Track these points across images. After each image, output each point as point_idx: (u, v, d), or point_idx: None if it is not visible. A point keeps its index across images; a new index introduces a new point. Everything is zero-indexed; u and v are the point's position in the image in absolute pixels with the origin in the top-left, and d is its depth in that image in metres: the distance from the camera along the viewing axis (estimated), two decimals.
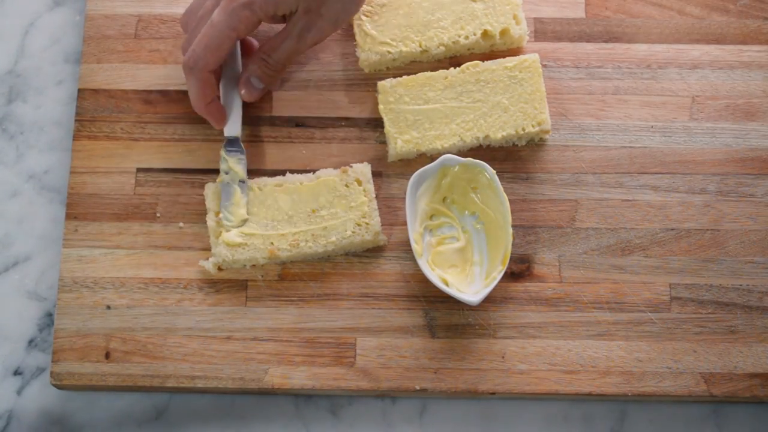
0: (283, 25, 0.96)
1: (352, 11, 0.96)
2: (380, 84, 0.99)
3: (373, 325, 0.95)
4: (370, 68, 1.01)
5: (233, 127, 0.97)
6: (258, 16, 0.92)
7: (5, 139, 1.03)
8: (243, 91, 0.97)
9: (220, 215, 0.95)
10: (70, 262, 0.96)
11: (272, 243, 0.94)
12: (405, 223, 0.94)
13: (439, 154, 0.97)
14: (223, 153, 0.97)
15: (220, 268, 0.96)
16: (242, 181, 0.96)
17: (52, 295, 0.99)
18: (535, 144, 1.00)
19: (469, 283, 0.95)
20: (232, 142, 0.97)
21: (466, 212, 0.97)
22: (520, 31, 1.00)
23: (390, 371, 0.94)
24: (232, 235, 0.95)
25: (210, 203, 0.96)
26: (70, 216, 0.98)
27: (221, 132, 0.99)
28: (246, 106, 0.99)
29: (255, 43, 1.01)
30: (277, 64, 0.96)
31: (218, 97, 0.97)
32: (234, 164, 0.96)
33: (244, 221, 0.95)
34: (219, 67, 0.96)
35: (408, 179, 0.94)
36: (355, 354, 0.94)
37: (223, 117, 0.97)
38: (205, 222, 0.97)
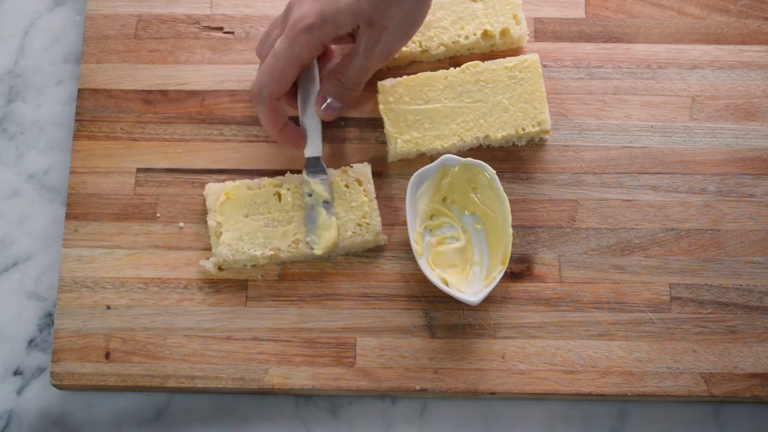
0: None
1: (418, 18, 0.92)
2: (380, 84, 0.99)
3: (373, 325, 0.95)
4: None
5: (313, 148, 0.95)
6: (320, 40, 0.90)
7: (5, 139, 1.03)
8: (321, 111, 0.95)
9: (308, 240, 0.94)
10: (70, 262, 0.96)
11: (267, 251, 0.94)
12: (405, 223, 0.94)
13: (439, 154, 0.97)
14: (304, 175, 0.95)
15: (220, 268, 0.96)
16: (327, 202, 0.95)
17: (52, 295, 0.99)
18: (535, 144, 1.00)
19: (469, 283, 0.95)
20: (313, 163, 0.95)
21: (466, 212, 0.97)
22: (520, 31, 1.00)
23: (390, 371, 0.94)
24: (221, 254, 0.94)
25: (210, 203, 0.96)
26: (70, 216, 0.98)
27: (221, 132, 0.99)
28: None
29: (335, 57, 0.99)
30: (350, 82, 0.93)
31: (292, 120, 0.95)
32: (316, 185, 0.95)
33: (333, 245, 0.94)
34: (292, 89, 0.94)
35: (408, 179, 0.94)
36: (355, 354, 0.94)
37: (299, 140, 0.95)
38: (205, 222, 0.97)
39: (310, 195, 0.95)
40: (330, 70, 0.95)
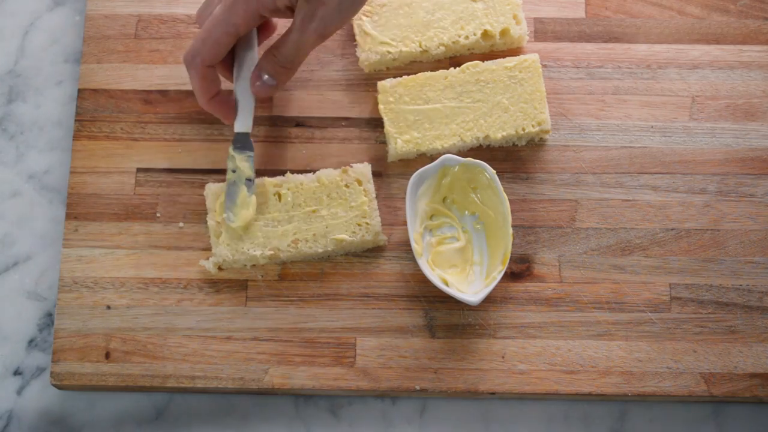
0: None
1: (358, 1, 0.91)
2: (380, 84, 0.99)
3: (373, 325, 0.95)
4: (370, 68, 1.01)
5: (243, 123, 0.95)
6: (256, 10, 0.90)
7: (5, 139, 1.03)
8: (254, 88, 0.94)
9: (224, 216, 0.94)
10: (70, 262, 0.96)
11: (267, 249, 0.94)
12: (405, 223, 0.94)
13: (439, 154, 0.97)
14: (231, 150, 0.95)
15: (220, 268, 0.96)
16: (249, 180, 0.94)
17: (52, 295, 0.99)
18: (535, 144, 1.00)
19: (469, 283, 0.95)
20: (240, 139, 0.95)
21: (466, 212, 0.97)
22: (520, 31, 1.00)
23: (390, 371, 0.94)
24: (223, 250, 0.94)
25: (210, 203, 0.96)
26: (70, 216, 0.98)
27: (221, 132, 0.99)
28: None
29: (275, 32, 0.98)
30: (284, 59, 0.92)
31: (229, 92, 0.95)
32: (241, 162, 0.94)
33: (249, 222, 0.94)
34: (230, 60, 0.94)
35: (408, 179, 0.94)
36: (355, 354, 0.94)
37: (229, 112, 0.94)
38: (205, 222, 0.97)
39: (234, 171, 0.94)
40: (268, 47, 0.94)
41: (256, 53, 0.95)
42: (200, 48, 0.91)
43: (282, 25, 0.98)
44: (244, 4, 0.89)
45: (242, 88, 0.95)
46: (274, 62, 0.92)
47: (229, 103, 0.95)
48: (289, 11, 0.91)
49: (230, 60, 0.95)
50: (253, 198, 0.94)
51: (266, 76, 0.93)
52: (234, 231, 0.94)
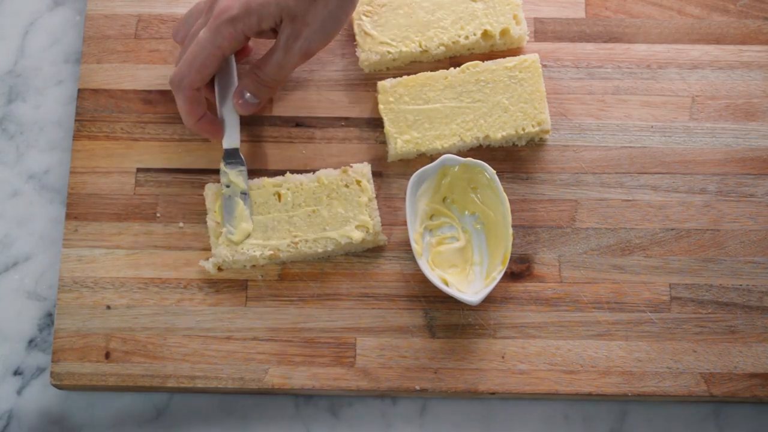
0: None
1: (341, 19, 0.93)
2: (380, 84, 0.99)
3: (373, 325, 0.95)
4: (370, 68, 1.01)
5: (231, 139, 0.96)
6: (242, 32, 0.91)
7: (5, 139, 1.03)
8: (237, 106, 0.96)
9: (224, 230, 0.94)
10: (70, 262, 0.96)
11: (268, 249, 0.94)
12: (405, 223, 0.94)
13: (439, 154, 0.97)
14: (222, 166, 0.96)
15: (220, 268, 0.96)
16: (244, 193, 0.95)
17: (52, 295, 0.99)
18: (535, 144, 1.00)
19: (469, 283, 0.95)
20: (231, 154, 0.96)
21: (466, 212, 0.97)
22: (520, 31, 1.00)
23: (390, 371, 0.94)
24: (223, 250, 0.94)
25: (210, 203, 0.96)
26: (70, 216, 0.98)
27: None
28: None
29: (252, 53, 1.01)
30: (268, 78, 0.94)
31: (212, 111, 0.97)
32: (234, 177, 0.96)
33: (248, 235, 0.95)
34: (210, 82, 0.95)
35: (408, 179, 0.94)
36: (355, 354, 0.94)
37: (216, 131, 0.96)
38: (205, 222, 0.97)
39: (228, 186, 0.96)
40: (250, 65, 0.96)
41: (234, 72, 0.97)
42: (187, 72, 0.92)
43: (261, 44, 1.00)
44: (230, 27, 0.91)
45: (227, 106, 0.96)
46: (256, 81, 0.95)
47: (216, 123, 0.96)
48: (273, 32, 0.93)
49: (211, 81, 0.97)
50: (248, 211, 0.95)
51: (248, 94, 0.95)
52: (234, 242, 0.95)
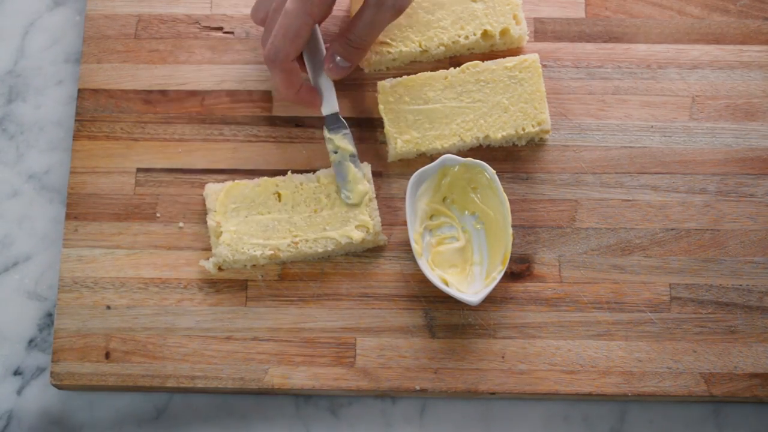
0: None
1: None
2: (380, 84, 0.99)
3: (373, 325, 0.95)
4: (370, 68, 1.01)
5: (330, 105, 0.96)
6: None
7: (5, 139, 1.03)
8: (328, 70, 0.95)
9: (341, 195, 0.95)
10: (70, 262, 0.96)
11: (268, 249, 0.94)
12: (405, 223, 0.94)
13: (439, 154, 0.97)
14: (326, 133, 0.96)
15: (220, 268, 0.96)
16: (353, 156, 0.96)
17: (52, 295, 0.99)
18: (535, 144, 1.00)
19: (469, 283, 0.95)
20: (333, 120, 0.96)
21: (466, 212, 0.97)
22: (520, 31, 1.00)
23: (390, 371, 0.94)
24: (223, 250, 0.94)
25: (210, 203, 0.96)
26: (70, 216, 0.98)
27: (221, 132, 0.99)
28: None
29: None
30: (358, 39, 0.94)
31: (306, 80, 0.97)
32: (340, 141, 0.96)
33: (365, 196, 0.95)
34: (301, 53, 0.95)
35: (408, 179, 0.94)
36: (355, 354, 0.94)
37: (317, 99, 0.96)
38: (205, 222, 0.97)
39: (335, 152, 0.96)
40: (341, 30, 0.95)
41: (320, 39, 0.97)
42: (281, 44, 0.91)
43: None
44: None
45: (320, 73, 0.96)
46: (347, 44, 0.94)
47: (314, 91, 0.96)
48: None
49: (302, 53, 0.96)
50: (361, 173, 0.96)
51: (339, 58, 0.95)
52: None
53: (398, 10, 0.93)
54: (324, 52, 0.96)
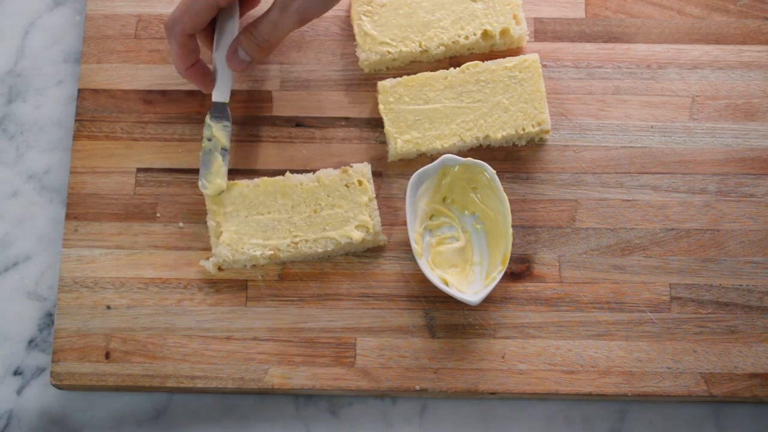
0: None
1: None
2: (380, 84, 0.99)
3: (373, 325, 0.95)
4: (370, 68, 1.01)
5: (221, 93, 0.96)
6: None
7: (5, 139, 1.03)
8: (229, 61, 0.95)
9: (199, 182, 0.95)
10: (70, 262, 0.96)
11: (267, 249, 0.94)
12: (405, 223, 0.94)
13: (439, 154, 0.97)
14: (207, 119, 0.96)
15: (220, 268, 0.96)
16: (224, 149, 0.95)
17: (52, 295, 0.99)
18: (535, 144, 1.00)
19: (469, 283, 0.95)
20: (218, 108, 0.96)
21: (466, 212, 0.97)
22: (520, 31, 1.00)
23: (390, 371, 0.94)
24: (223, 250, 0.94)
25: (210, 203, 0.96)
26: (70, 216, 0.98)
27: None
28: (239, 99, 0.99)
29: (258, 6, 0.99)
30: (261, 37, 0.93)
31: (210, 63, 0.96)
32: (218, 131, 0.96)
33: (221, 192, 0.95)
34: (209, 30, 0.95)
35: (408, 179, 0.94)
36: (355, 354, 0.94)
37: (208, 81, 0.96)
38: (205, 222, 0.97)
39: (209, 140, 0.96)
40: (248, 23, 0.95)
41: (237, 24, 0.96)
42: (180, 17, 0.92)
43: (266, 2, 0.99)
44: None
45: (221, 59, 0.96)
46: (251, 39, 0.94)
47: (208, 73, 0.96)
48: None
49: (211, 29, 0.96)
50: (226, 168, 0.95)
51: (242, 52, 0.94)
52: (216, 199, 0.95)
53: (302, 19, 0.92)
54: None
